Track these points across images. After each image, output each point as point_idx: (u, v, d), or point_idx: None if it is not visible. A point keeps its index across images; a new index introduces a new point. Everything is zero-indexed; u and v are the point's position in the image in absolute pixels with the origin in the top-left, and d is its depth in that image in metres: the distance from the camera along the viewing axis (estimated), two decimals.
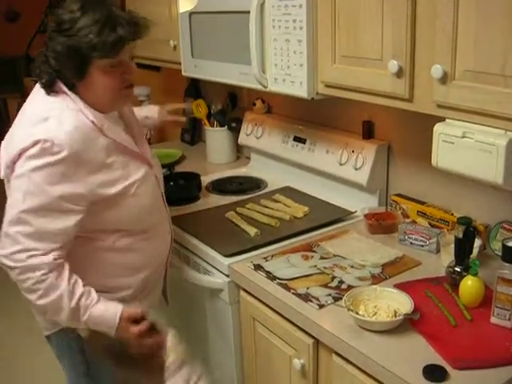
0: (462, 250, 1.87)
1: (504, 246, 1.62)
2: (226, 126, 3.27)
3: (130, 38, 1.77)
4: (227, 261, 2.15)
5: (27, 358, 3.53)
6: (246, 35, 2.23)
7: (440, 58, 1.61)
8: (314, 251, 2.16)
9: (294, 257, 2.12)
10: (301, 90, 2.14)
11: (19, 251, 1.69)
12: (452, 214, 2.17)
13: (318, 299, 1.84)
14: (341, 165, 2.51)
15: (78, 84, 1.78)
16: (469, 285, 1.76)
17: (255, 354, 2.15)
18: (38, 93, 1.82)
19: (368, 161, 2.41)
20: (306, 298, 1.86)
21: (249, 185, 2.91)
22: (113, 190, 1.81)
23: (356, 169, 2.45)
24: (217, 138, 3.32)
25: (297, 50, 2.11)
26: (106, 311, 1.78)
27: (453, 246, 1.90)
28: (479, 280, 1.76)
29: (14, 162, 1.71)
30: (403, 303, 1.73)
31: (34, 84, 1.84)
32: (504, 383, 1.46)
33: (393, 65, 1.75)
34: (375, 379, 1.58)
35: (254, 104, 3.09)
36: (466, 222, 1.86)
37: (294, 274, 2.00)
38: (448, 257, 1.95)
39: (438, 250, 2.11)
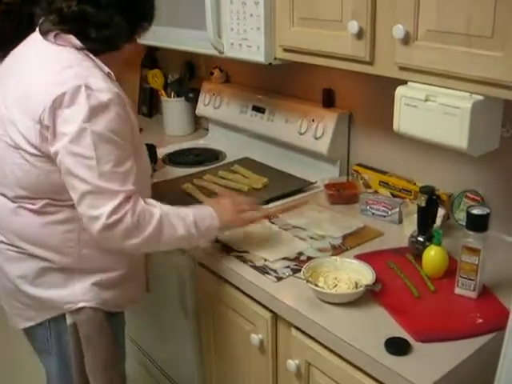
0: (425, 219, 1.83)
1: (468, 214, 1.57)
2: (184, 97, 3.17)
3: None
4: None
5: None
6: None
7: (402, 18, 1.55)
8: (273, 223, 2.09)
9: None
10: (258, 55, 2.07)
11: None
12: (415, 184, 2.13)
13: (276, 271, 1.78)
14: (300, 134, 2.45)
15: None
16: (432, 255, 1.72)
17: (213, 329, 2.10)
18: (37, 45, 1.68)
19: (328, 130, 2.35)
20: (263, 270, 1.80)
21: (206, 156, 2.83)
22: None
23: (316, 138, 2.39)
24: (174, 108, 3.23)
25: (254, 12, 2.03)
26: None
27: (415, 216, 1.86)
28: (443, 250, 1.71)
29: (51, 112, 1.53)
30: (364, 274, 1.68)
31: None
32: (473, 353, 1.42)
33: (353, 25, 1.68)
34: (335, 353, 1.54)
35: (212, 73, 3.00)
36: (428, 190, 1.82)
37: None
38: (411, 227, 1.91)
39: (400, 221, 2.07)
